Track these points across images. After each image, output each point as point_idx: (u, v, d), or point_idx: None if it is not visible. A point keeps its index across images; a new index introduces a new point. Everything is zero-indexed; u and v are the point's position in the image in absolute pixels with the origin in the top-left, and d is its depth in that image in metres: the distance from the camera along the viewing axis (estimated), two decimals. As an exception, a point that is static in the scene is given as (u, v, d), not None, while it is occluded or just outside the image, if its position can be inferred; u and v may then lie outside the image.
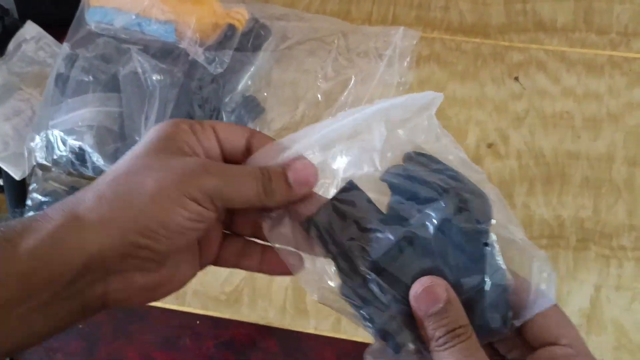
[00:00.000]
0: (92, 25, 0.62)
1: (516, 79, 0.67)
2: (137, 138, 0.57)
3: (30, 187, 0.67)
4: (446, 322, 0.28)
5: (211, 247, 0.35)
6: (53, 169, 0.66)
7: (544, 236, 0.62)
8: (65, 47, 0.62)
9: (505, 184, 0.64)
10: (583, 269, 0.61)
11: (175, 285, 0.33)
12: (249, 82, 0.65)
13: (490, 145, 0.65)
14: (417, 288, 0.29)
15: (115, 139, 0.59)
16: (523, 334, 0.31)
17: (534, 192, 0.63)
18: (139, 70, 0.56)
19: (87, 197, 0.29)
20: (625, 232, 0.61)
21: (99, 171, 0.61)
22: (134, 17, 0.59)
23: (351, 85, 0.59)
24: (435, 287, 0.29)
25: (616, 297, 0.60)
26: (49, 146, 0.62)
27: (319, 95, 0.59)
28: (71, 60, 0.62)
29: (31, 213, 0.66)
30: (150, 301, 0.32)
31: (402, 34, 0.60)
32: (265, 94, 0.65)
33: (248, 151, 0.33)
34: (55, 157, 0.62)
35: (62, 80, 0.62)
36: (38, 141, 0.63)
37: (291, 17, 0.65)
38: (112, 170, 0.30)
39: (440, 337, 0.28)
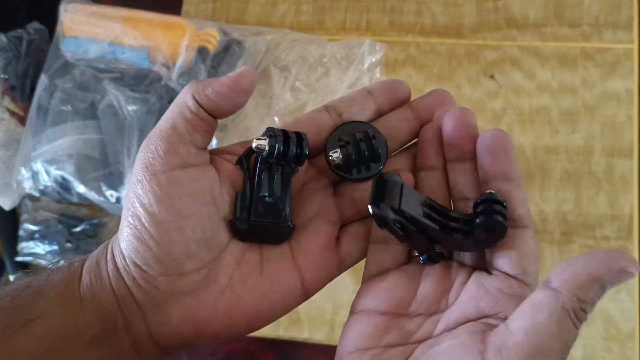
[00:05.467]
0: (68, 56, 0.63)
1: (492, 77, 0.67)
2: (121, 169, 0.58)
3: (22, 218, 0.68)
4: None
5: (311, 250, 0.32)
6: (42, 198, 0.68)
7: (528, 232, 0.63)
8: (44, 79, 0.63)
9: (487, 182, 0.64)
10: (568, 261, 0.61)
11: (237, 309, 0.30)
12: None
13: (470, 145, 0.66)
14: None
15: (97, 166, 0.60)
16: None
17: (515, 189, 0.64)
18: (115, 103, 0.57)
19: None
20: (608, 222, 0.62)
21: (83, 198, 0.62)
22: (107, 45, 0.59)
23: (307, 110, 0.60)
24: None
25: (602, 288, 0.60)
26: (34, 177, 0.63)
27: (276, 119, 0.60)
28: (50, 91, 0.63)
29: (24, 243, 0.67)
30: (216, 337, 0.30)
31: (367, 47, 0.60)
32: (246, 106, 0.66)
33: None
34: (41, 187, 0.63)
35: (42, 111, 0.63)
36: (24, 173, 0.64)
37: (266, 33, 0.66)
38: None
39: None
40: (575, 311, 0.25)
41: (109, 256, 0.30)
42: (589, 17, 0.67)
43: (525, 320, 0.25)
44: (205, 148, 0.31)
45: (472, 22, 0.69)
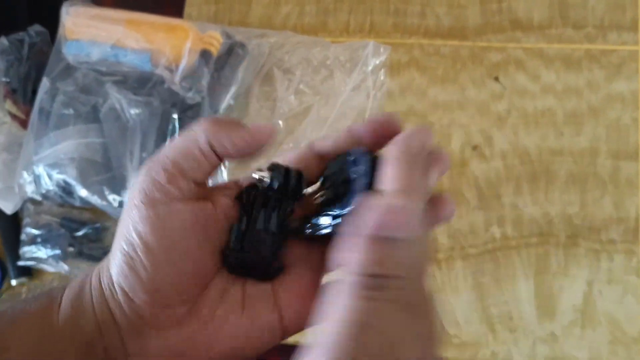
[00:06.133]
0: (70, 59, 0.62)
1: (496, 79, 0.67)
2: (124, 173, 0.58)
3: (24, 222, 0.68)
4: None
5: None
6: (44, 202, 0.67)
7: (533, 234, 0.62)
8: (46, 82, 0.63)
9: (492, 185, 0.64)
10: (574, 264, 0.61)
11: (216, 344, 0.29)
12: (232, 102, 0.65)
13: (475, 148, 0.65)
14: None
15: (99, 169, 0.60)
16: None
17: (521, 192, 0.63)
18: (117, 106, 0.57)
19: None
20: (614, 225, 0.61)
21: (86, 202, 0.62)
22: (109, 48, 0.59)
23: (312, 113, 0.60)
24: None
25: (608, 291, 0.60)
26: (36, 181, 0.63)
27: (280, 122, 0.60)
28: (52, 95, 0.62)
29: (26, 247, 0.67)
30: None
31: (372, 49, 0.60)
32: (250, 110, 0.66)
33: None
34: (43, 191, 0.63)
35: (44, 115, 0.63)
36: (26, 176, 0.64)
37: (269, 35, 0.65)
38: None
39: None
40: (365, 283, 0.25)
41: (94, 280, 0.30)
42: (594, 19, 0.67)
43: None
44: (205, 183, 0.30)
45: (476, 23, 0.69)
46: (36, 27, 0.70)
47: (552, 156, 0.64)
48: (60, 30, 0.63)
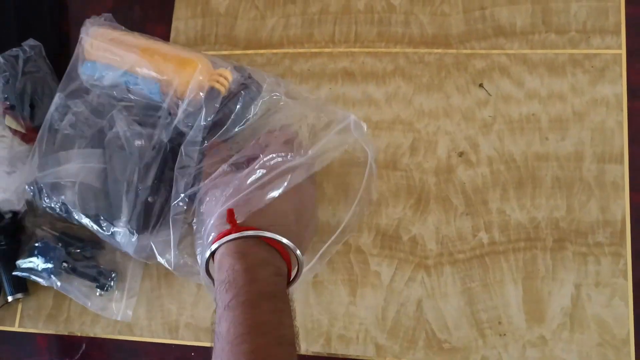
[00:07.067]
0: (84, 79, 0.63)
1: (481, 85, 0.67)
2: (119, 203, 0.58)
3: (23, 235, 0.69)
4: None
5: None
6: (44, 216, 0.68)
7: (521, 239, 0.63)
8: (57, 99, 0.64)
9: (479, 191, 0.65)
10: (562, 268, 0.61)
11: None
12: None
13: (461, 154, 0.66)
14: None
15: (98, 195, 0.60)
16: None
17: (507, 197, 0.64)
18: (121, 135, 0.57)
19: None
20: (600, 228, 0.62)
21: (82, 224, 0.63)
22: (121, 74, 0.59)
23: None
24: None
25: (596, 294, 0.60)
26: (36, 196, 0.64)
27: None
28: (62, 112, 0.63)
29: (22, 259, 0.68)
30: None
31: (353, 124, 0.58)
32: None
33: None
34: (44, 205, 0.64)
35: (53, 132, 0.64)
36: (27, 190, 0.65)
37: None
38: None
39: None
40: None
41: None
42: (577, 24, 0.68)
43: None
44: None
45: (460, 31, 0.70)
46: (30, 42, 0.71)
47: (537, 161, 0.64)
48: (78, 49, 0.63)
